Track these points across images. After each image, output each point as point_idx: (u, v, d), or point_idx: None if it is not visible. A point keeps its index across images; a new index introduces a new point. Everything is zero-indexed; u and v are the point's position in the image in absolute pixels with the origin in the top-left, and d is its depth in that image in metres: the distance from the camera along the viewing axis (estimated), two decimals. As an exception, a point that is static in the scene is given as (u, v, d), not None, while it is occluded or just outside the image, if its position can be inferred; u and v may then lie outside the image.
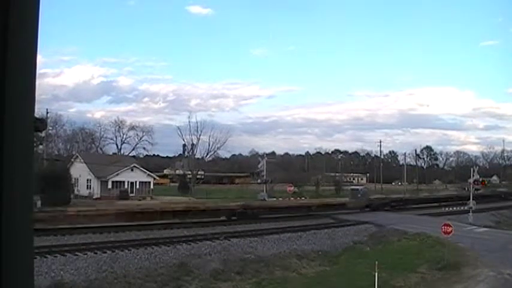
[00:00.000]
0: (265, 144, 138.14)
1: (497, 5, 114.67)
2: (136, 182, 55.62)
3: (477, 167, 63.84)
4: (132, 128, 76.75)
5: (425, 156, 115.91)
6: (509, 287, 19.34)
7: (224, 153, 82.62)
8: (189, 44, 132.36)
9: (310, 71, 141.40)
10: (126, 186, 54.41)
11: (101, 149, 74.18)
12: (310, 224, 34.46)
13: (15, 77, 1.24)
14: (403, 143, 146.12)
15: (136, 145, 76.98)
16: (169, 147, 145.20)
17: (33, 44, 1.30)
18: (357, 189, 61.05)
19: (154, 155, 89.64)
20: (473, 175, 51.05)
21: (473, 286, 19.75)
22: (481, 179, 57.02)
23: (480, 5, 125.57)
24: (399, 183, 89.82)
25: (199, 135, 70.81)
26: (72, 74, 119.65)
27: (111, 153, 72.54)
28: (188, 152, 78.07)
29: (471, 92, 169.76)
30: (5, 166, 1.23)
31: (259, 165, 67.30)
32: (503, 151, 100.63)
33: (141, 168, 57.40)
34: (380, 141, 70.99)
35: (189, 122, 70.68)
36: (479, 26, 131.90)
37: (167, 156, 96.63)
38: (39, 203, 31.98)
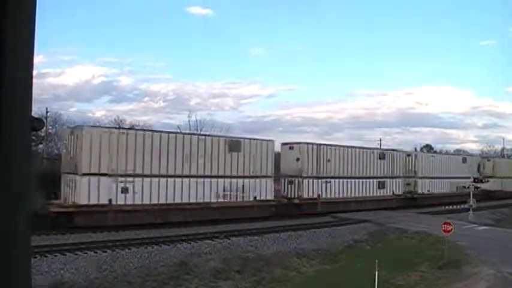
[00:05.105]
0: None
1: (496, 4, 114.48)
2: (136, 180, 55.46)
3: (477, 165, 63.69)
4: (132, 127, 76.53)
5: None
6: (509, 285, 19.35)
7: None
8: (188, 44, 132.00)
9: (309, 70, 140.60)
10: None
11: (101, 148, 73.97)
12: (310, 223, 34.45)
13: (12, 76, 1.23)
14: (402, 142, 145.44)
15: (136, 144, 76.72)
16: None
17: (29, 43, 1.29)
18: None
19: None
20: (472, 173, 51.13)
21: (473, 284, 19.77)
22: (481, 177, 56.98)
23: (479, 3, 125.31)
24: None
25: (199, 134, 70.78)
26: (73, 74, 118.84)
27: (111, 152, 72.29)
28: (188, 151, 77.83)
29: (470, 90, 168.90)
30: (1, 166, 1.22)
31: (259, 164, 67.10)
32: (503, 149, 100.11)
33: (141, 167, 57.21)
34: (380, 140, 70.61)
35: (189, 121, 70.39)
36: (478, 25, 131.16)
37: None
38: (39, 201, 31.98)
